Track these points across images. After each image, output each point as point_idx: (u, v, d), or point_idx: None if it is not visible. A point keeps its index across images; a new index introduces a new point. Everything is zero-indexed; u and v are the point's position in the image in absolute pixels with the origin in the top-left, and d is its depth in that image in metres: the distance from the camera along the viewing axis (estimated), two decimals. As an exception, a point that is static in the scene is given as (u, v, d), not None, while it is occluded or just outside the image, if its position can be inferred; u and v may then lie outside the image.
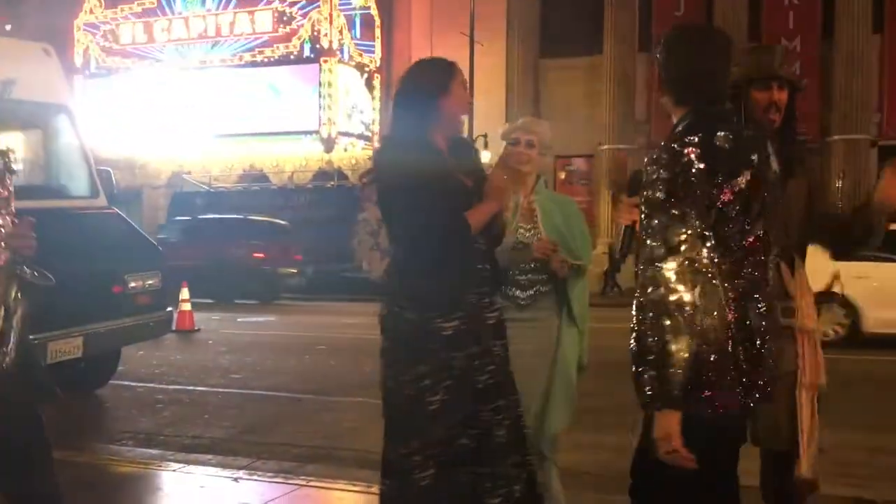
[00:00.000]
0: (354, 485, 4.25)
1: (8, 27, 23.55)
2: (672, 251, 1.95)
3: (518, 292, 3.20)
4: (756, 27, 22.15)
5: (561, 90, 24.70)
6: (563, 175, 25.03)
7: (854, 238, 2.76)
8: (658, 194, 2.00)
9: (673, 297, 1.93)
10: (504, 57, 25.16)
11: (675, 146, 2.05)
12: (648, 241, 2.00)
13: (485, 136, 20.16)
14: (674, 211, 1.97)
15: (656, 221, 1.98)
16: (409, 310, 2.59)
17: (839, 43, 22.07)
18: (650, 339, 1.96)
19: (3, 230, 2.39)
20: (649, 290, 1.97)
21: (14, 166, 2.48)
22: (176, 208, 22.73)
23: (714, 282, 1.97)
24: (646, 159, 2.13)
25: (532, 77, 25.43)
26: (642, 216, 2.06)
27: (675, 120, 2.21)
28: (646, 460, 2.13)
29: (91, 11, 27.91)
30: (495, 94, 24.20)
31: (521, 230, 3.24)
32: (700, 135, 2.06)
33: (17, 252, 2.42)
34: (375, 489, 2.93)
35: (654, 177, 2.04)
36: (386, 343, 2.68)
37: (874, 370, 8.76)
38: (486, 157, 16.58)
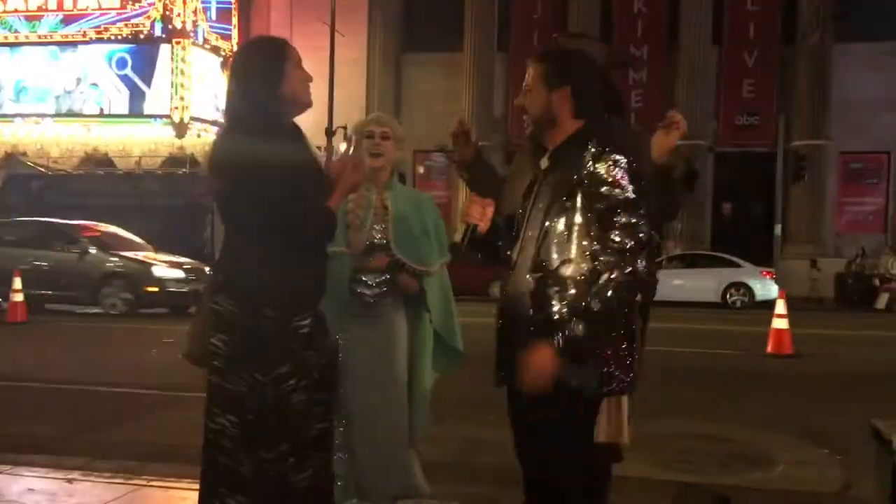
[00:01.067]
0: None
1: None
2: (642, 247, 2.22)
3: (366, 290, 3.17)
4: (608, 33, 23.10)
5: (421, 85, 24.87)
6: (421, 170, 25.21)
7: None
8: (628, 194, 2.24)
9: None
10: (365, 49, 25.05)
11: (616, 153, 2.29)
12: (615, 235, 2.21)
13: (344, 127, 19.99)
14: (641, 211, 2.24)
15: (624, 219, 2.22)
16: (269, 307, 2.44)
17: (682, 52, 23.42)
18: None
19: None
20: (614, 273, 2.17)
21: None
22: (10, 192, 21.18)
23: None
24: (591, 158, 2.30)
25: (393, 70, 25.46)
26: (601, 208, 2.24)
27: (566, 128, 2.41)
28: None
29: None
30: (356, 87, 24.05)
31: (375, 231, 3.21)
32: (622, 144, 2.34)
33: None
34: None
35: (618, 177, 2.25)
36: (234, 343, 2.47)
37: (714, 363, 9.36)
38: (342, 149, 16.42)
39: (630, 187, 2.25)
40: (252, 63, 2.57)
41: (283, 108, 2.54)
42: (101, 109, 24.84)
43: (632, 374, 2.26)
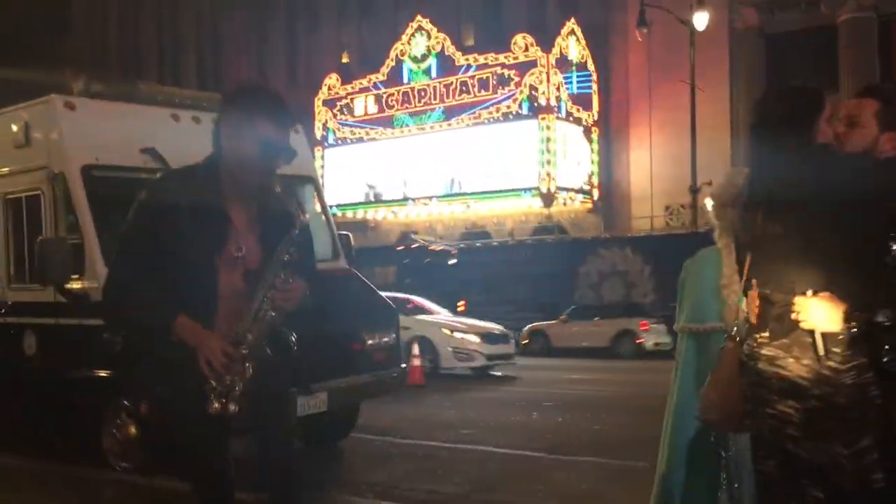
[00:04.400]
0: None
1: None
2: None
3: None
4: None
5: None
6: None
7: None
8: None
9: None
10: (728, 102, 24.25)
11: None
12: None
13: (709, 183, 19.41)
14: None
15: None
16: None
17: None
18: None
19: (279, 286, 2.54)
20: None
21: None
22: (405, 267, 23.82)
23: None
24: None
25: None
26: None
27: None
28: None
29: (329, 88, 30.39)
30: (720, 142, 23.29)
31: None
32: None
33: (281, 309, 2.56)
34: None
35: None
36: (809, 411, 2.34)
37: None
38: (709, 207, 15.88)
39: None
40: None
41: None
42: (479, 187, 27.02)
43: None
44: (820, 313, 2.17)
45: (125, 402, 5.84)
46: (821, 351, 2.18)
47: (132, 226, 2.62)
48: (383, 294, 8.03)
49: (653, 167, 25.33)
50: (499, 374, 14.54)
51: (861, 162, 2.35)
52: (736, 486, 2.41)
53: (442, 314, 16.09)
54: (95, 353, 5.70)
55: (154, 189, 2.67)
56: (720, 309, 2.49)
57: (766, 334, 2.26)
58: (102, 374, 5.79)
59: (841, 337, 2.18)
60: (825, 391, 2.19)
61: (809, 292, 2.20)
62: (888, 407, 2.20)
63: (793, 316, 2.20)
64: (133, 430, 5.83)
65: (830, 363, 2.18)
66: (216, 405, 2.46)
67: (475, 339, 14.13)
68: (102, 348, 5.56)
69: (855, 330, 2.18)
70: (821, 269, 2.21)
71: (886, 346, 2.24)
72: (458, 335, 14.18)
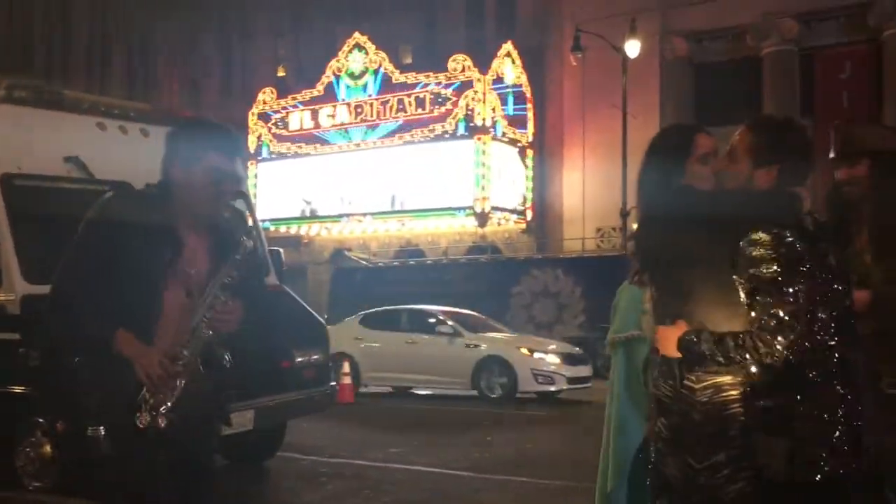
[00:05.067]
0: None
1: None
2: None
3: None
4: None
5: (719, 159, 24.03)
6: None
7: None
8: None
9: None
10: (658, 128, 24.87)
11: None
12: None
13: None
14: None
15: None
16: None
17: None
18: None
19: (218, 308, 2.66)
20: None
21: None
22: (337, 284, 23.66)
23: None
24: None
25: (688, 147, 24.93)
26: None
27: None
28: None
29: (264, 102, 30.09)
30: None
31: None
32: None
33: (218, 330, 2.67)
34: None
35: None
36: (670, 428, 2.53)
37: None
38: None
39: None
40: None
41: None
42: (414, 205, 27.05)
43: None
44: (665, 339, 2.38)
45: (40, 420, 5.63)
46: (677, 373, 2.38)
47: (79, 242, 2.73)
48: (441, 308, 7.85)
49: (585, 189, 25.77)
50: (430, 391, 14.51)
51: (709, 197, 2.48)
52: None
53: (507, 331, 15.25)
54: (10, 368, 5.50)
55: (104, 208, 2.81)
56: (639, 319, 2.61)
57: (657, 359, 2.49)
58: (17, 390, 5.58)
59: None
60: (682, 408, 2.38)
61: (668, 321, 2.41)
62: (749, 423, 2.33)
63: (656, 344, 2.43)
64: (48, 448, 5.63)
65: (687, 382, 2.37)
66: (147, 418, 2.56)
67: (556, 359, 13.07)
68: (18, 363, 5.36)
69: (693, 356, 2.34)
70: (677, 299, 2.41)
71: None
72: (537, 355, 13.05)
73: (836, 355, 2.32)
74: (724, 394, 2.34)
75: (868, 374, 2.65)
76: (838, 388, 2.30)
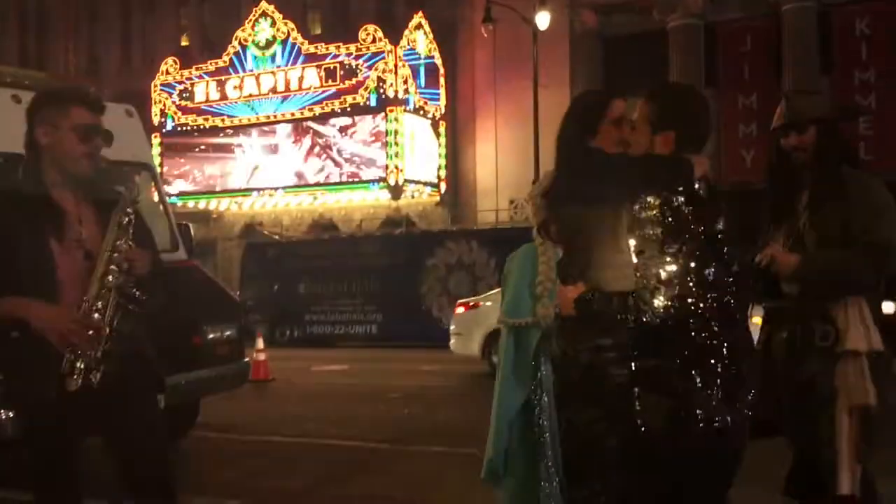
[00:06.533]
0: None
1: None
2: None
3: None
4: (828, 59, 21.71)
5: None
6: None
7: None
8: None
9: None
10: (569, 100, 25.19)
11: None
12: None
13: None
14: None
15: None
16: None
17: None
18: None
19: (121, 249, 2.63)
20: None
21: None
22: (249, 259, 23.22)
23: None
24: None
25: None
26: None
27: None
28: None
29: (167, 72, 29.07)
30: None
31: None
32: None
33: (132, 269, 2.63)
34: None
35: None
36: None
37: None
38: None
39: None
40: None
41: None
42: (326, 178, 26.74)
43: None
44: (563, 299, 2.47)
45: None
46: (570, 333, 2.48)
47: None
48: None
49: (498, 161, 25.94)
50: (346, 366, 14.45)
51: (614, 161, 2.52)
52: (549, 453, 2.56)
53: None
54: None
55: None
56: (534, 305, 2.63)
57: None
58: None
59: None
60: (566, 364, 2.50)
61: (570, 280, 2.49)
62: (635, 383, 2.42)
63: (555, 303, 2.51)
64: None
65: (573, 342, 2.48)
66: (77, 379, 2.52)
67: None
68: None
69: (586, 315, 2.43)
70: (578, 261, 2.50)
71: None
72: None
73: (716, 314, 2.40)
74: (604, 354, 2.43)
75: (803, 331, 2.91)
76: (715, 343, 2.39)
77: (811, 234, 2.97)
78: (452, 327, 13.13)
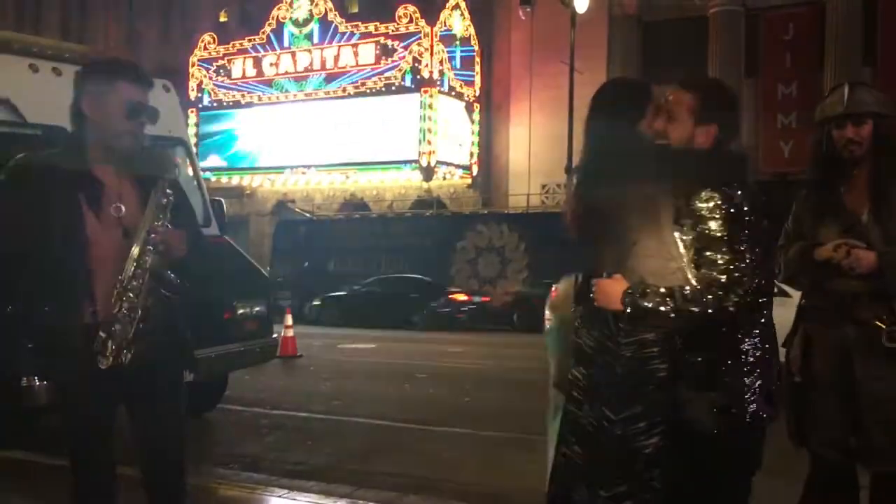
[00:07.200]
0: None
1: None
2: None
3: None
4: (871, 50, 21.25)
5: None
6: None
7: None
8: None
9: None
10: (604, 85, 24.96)
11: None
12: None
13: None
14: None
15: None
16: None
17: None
18: None
19: (160, 231, 2.62)
20: None
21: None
22: (280, 236, 23.40)
23: None
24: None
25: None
26: None
27: None
28: None
29: (205, 48, 29.25)
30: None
31: None
32: None
33: (169, 251, 2.63)
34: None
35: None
36: (590, 377, 2.62)
37: None
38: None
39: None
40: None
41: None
42: (358, 157, 26.80)
43: None
44: (605, 293, 2.38)
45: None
46: (612, 326, 2.41)
47: None
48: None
49: (531, 145, 25.82)
50: (373, 345, 14.53)
51: (658, 151, 2.47)
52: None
53: None
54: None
55: (15, 169, 2.71)
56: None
57: (581, 310, 2.51)
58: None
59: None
60: (605, 360, 2.41)
61: (605, 273, 2.41)
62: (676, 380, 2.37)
63: (591, 295, 2.43)
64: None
65: (617, 337, 2.40)
66: (109, 357, 2.54)
67: None
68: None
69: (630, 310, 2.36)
70: (616, 253, 2.42)
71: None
72: None
73: (764, 311, 2.41)
74: (647, 349, 2.39)
75: (864, 332, 2.85)
76: (758, 341, 2.40)
77: (875, 229, 2.88)
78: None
